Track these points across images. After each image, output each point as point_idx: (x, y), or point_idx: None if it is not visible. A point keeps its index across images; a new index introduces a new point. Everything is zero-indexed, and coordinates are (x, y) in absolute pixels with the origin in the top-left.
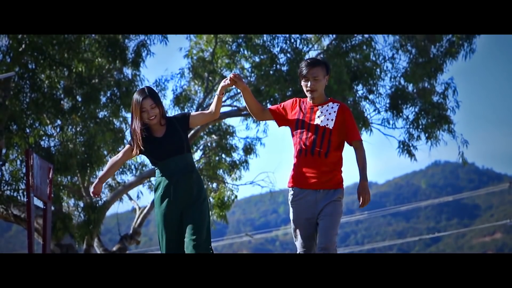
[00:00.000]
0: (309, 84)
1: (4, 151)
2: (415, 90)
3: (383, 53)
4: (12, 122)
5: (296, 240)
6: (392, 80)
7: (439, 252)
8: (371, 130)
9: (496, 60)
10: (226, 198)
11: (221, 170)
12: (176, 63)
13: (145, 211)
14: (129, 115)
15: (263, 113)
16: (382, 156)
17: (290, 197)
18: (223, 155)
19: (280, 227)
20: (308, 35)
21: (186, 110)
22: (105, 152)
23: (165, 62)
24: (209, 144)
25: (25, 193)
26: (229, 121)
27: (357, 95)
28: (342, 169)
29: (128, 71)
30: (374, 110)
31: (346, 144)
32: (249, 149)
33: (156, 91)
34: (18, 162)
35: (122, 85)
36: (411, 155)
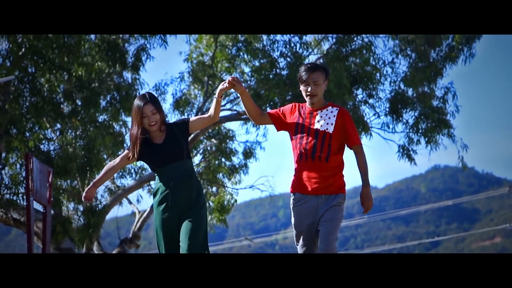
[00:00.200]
0: (309, 88)
1: (4, 154)
2: (415, 95)
3: (383, 58)
4: (12, 126)
5: (298, 244)
6: (392, 84)
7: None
8: (371, 135)
9: (495, 65)
10: (225, 202)
11: (220, 174)
12: (176, 67)
13: (144, 215)
14: (128, 119)
15: (262, 117)
16: (381, 160)
17: (292, 203)
18: (223, 159)
19: (280, 231)
20: (308, 39)
21: (186, 114)
22: (105, 156)
23: (165, 66)
24: (208, 148)
25: (24, 196)
26: (229, 125)
27: (357, 99)
28: (343, 173)
29: (128, 75)
30: (374, 115)
31: (346, 148)
32: (248, 153)
33: (156, 96)
34: (18, 165)
35: (122, 89)
36: (410, 159)
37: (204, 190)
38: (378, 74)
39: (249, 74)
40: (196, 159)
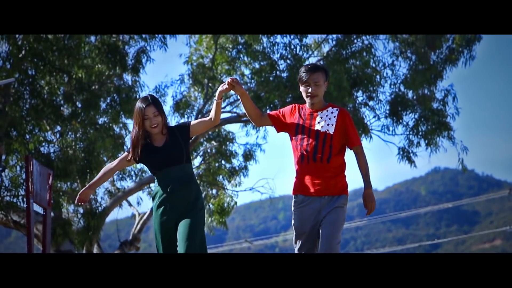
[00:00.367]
0: (309, 89)
1: (4, 157)
2: (415, 97)
3: (383, 60)
4: (12, 128)
5: (297, 246)
6: (392, 86)
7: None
8: (371, 137)
9: (496, 67)
10: (225, 204)
11: (220, 176)
12: (176, 70)
13: (144, 217)
14: (129, 121)
15: (262, 119)
16: (382, 163)
17: (294, 204)
18: (223, 161)
19: (280, 233)
20: (308, 42)
21: (186, 116)
22: (105, 158)
23: (165, 68)
24: (209, 150)
25: (24, 199)
26: (229, 127)
27: (357, 101)
28: (345, 173)
29: (128, 77)
30: (374, 117)
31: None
32: (248, 155)
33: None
34: (18, 168)
35: (122, 91)
36: (411, 161)
37: (204, 192)
38: (378, 77)
39: (249, 76)
40: (196, 161)
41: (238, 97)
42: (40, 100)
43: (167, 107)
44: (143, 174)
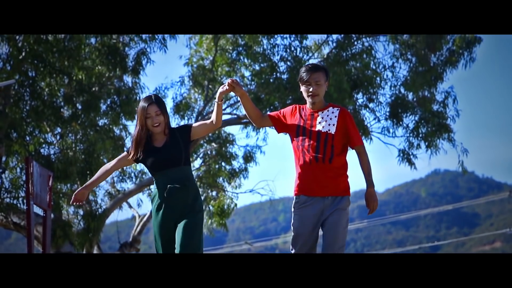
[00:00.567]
0: (311, 88)
1: (4, 158)
2: (415, 99)
3: (383, 62)
4: (12, 129)
5: (295, 248)
6: (392, 88)
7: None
8: (371, 139)
9: (496, 69)
10: (225, 206)
11: (221, 178)
12: (176, 71)
13: (144, 219)
14: (129, 123)
15: (262, 120)
16: (382, 165)
17: (295, 205)
18: (223, 163)
19: (280, 235)
20: (308, 43)
21: (186, 118)
22: (105, 160)
23: (165, 70)
24: (209, 152)
25: (25, 200)
26: (229, 129)
27: (357, 103)
28: (348, 174)
29: (128, 79)
30: (374, 119)
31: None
32: (249, 157)
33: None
34: (18, 169)
35: (122, 93)
36: (411, 163)
37: (204, 194)
38: (378, 78)
39: (249, 78)
40: (196, 163)
41: (238, 98)
42: (40, 101)
43: (167, 109)
44: (143, 176)
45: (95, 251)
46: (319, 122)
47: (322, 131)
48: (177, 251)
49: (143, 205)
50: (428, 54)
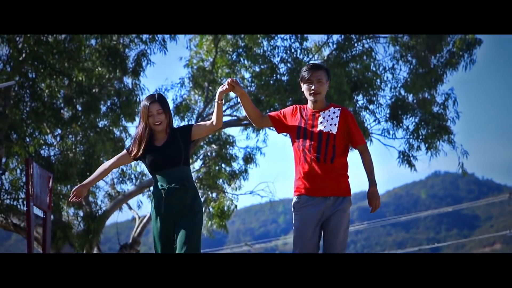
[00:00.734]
0: (313, 86)
1: (4, 160)
2: (415, 101)
3: (383, 63)
4: (12, 131)
5: (296, 249)
6: (392, 90)
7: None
8: (371, 140)
9: (496, 71)
10: (225, 208)
11: (221, 180)
12: (176, 73)
13: (144, 220)
14: (129, 124)
15: (262, 120)
16: (382, 166)
17: (296, 205)
18: (223, 165)
19: (280, 237)
20: (309, 45)
21: (186, 120)
22: (105, 162)
23: (165, 71)
24: (209, 154)
25: (25, 202)
26: (229, 130)
27: (357, 105)
28: (348, 174)
29: (128, 81)
30: (374, 120)
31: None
32: (249, 159)
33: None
34: (18, 171)
35: (122, 94)
36: (411, 165)
37: (204, 196)
38: (378, 80)
39: (250, 79)
40: (196, 165)
41: (238, 100)
42: (41, 103)
43: None
44: (143, 178)
45: (95, 253)
46: (321, 122)
47: (324, 131)
48: (177, 251)
49: (143, 206)
50: (428, 56)
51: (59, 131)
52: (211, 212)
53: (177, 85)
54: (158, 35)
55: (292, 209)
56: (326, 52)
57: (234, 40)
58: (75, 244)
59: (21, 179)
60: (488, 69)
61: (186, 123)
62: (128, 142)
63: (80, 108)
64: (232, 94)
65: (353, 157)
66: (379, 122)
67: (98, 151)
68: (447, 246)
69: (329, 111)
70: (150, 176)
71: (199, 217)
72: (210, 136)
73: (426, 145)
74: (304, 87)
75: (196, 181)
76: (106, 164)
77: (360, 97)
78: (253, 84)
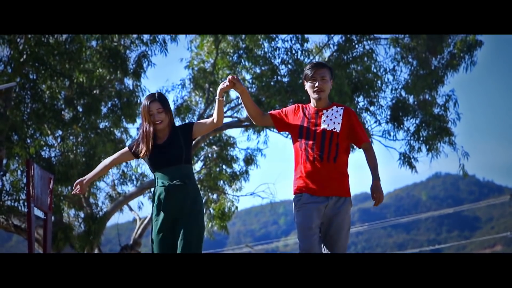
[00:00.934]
0: (317, 84)
1: (5, 161)
2: (416, 102)
3: (384, 65)
4: (13, 132)
5: (302, 243)
6: (393, 92)
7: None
8: (372, 142)
9: (497, 73)
10: (226, 209)
11: (221, 181)
12: (177, 74)
13: (145, 221)
14: (129, 126)
15: (263, 118)
16: (383, 168)
17: (297, 203)
18: (224, 166)
19: (281, 238)
20: (309, 47)
21: (187, 121)
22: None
23: (166, 72)
24: (209, 155)
25: (25, 203)
26: (230, 132)
27: (358, 106)
28: (348, 174)
29: (129, 82)
30: (375, 122)
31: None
32: (249, 160)
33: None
34: (19, 172)
35: (123, 95)
36: (411, 167)
37: (205, 197)
38: (379, 82)
39: (250, 81)
40: (197, 166)
41: (239, 100)
42: (41, 104)
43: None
44: (144, 179)
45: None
46: (324, 121)
47: (327, 129)
48: (177, 251)
49: (144, 207)
50: (429, 57)
51: (60, 132)
52: (212, 213)
53: (178, 87)
54: (159, 37)
55: (293, 207)
56: (327, 53)
57: (235, 42)
58: (76, 245)
59: (22, 180)
60: (489, 71)
61: None
62: (128, 143)
63: (81, 109)
64: (233, 95)
65: (354, 159)
66: (379, 124)
67: (99, 152)
68: (448, 247)
69: (332, 109)
70: (150, 177)
71: (200, 217)
72: (211, 137)
73: (427, 147)
74: (307, 85)
75: (197, 182)
76: (107, 160)
77: (360, 98)
78: (253, 86)
